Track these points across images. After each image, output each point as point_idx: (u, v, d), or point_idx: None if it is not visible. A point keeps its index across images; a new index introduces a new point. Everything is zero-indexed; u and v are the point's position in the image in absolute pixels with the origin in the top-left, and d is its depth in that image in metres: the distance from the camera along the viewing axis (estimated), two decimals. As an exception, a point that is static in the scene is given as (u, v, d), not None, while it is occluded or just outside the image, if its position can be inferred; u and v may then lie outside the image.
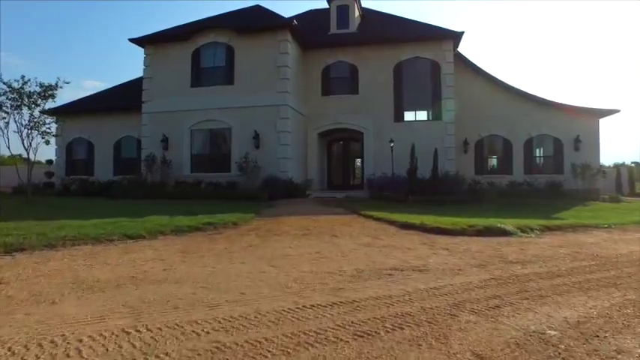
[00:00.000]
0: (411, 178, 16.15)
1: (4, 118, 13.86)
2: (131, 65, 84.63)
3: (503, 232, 7.92)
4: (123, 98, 19.72)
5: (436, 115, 18.28)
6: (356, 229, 7.78)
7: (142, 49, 18.45)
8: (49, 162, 21.59)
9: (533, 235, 7.83)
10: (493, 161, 19.79)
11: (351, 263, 5.17)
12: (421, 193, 15.42)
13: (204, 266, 4.93)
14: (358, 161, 20.79)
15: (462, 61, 19.30)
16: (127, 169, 18.65)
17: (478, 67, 19.55)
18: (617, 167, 24.06)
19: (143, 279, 4.29)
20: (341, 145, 21.03)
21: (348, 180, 21.04)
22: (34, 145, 14.06)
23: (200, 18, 18.99)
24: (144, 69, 18.39)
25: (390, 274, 4.65)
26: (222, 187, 16.29)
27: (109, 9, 77.60)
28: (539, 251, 6.14)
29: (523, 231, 8.09)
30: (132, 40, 18.27)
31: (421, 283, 4.27)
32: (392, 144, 17.13)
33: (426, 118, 18.43)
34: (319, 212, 10.60)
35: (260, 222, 8.77)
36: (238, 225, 8.15)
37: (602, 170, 19.43)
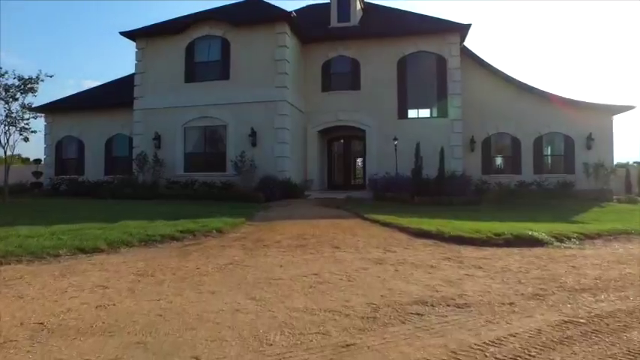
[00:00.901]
0: (416, 178, 14.65)
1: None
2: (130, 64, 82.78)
3: (537, 242, 6.41)
4: (114, 95, 18.21)
5: (442, 112, 16.76)
6: (362, 239, 6.24)
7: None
8: (37, 161, 20.09)
9: (573, 246, 6.32)
10: (501, 160, 18.26)
11: (360, 293, 3.66)
12: (427, 194, 13.94)
13: (158, 299, 3.42)
14: (360, 160, 19.27)
15: (469, 56, 17.76)
16: (118, 169, 17.17)
17: (485, 62, 18.01)
18: (627, 167, 22.52)
19: (56, 327, 2.77)
20: (342, 144, 19.48)
21: (349, 180, 19.50)
22: (11, 142, 12.54)
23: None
24: (135, 64, 16.88)
25: (418, 314, 3.13)
26: (216, 187, 14.79)
27: (112, 6, 76.03)
28: (598, 271, 4.63)
29: (559, 240, 6.59)
30: (123, 34, 16.77)
31: (468, 333, 2.75)
32: (396, 142, 15.63)
33: (431, 115, 16.89)
34: (319, 215, 9.09)
35: (250, 228, 7.26)
36: (223, 232, 6.61)
37: (613, 170, 17.91)
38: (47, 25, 50.54)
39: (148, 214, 8.89)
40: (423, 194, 13.88)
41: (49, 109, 18.02)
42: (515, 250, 5.85)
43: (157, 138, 16.27)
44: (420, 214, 9.35)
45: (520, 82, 17.76)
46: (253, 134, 15.22)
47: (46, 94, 36.91)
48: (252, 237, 6.29)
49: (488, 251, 5.69)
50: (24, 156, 30.55)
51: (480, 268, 4.70)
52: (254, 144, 15.27)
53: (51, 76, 13.23)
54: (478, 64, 17.94)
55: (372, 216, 8.75)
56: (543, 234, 6.66)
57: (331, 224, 7.76)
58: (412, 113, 17.03)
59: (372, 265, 4.76)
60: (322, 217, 8.84)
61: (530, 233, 6.68)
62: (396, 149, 15.58)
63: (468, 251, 5.60)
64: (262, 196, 12.92)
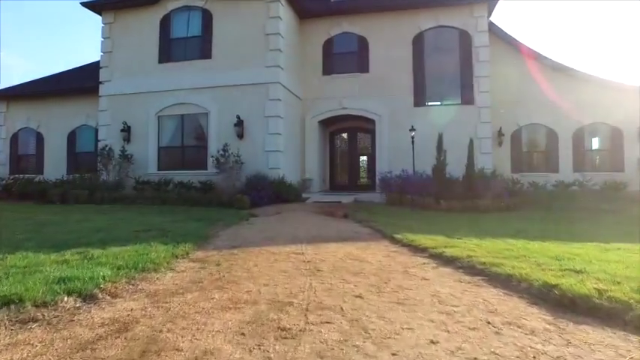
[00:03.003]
0: (439, 178, 11.80)
1: None
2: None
3: None
4: (80, 80, 15.38)
5: (467, 98, 13.86)
6: (418, 311, 2.90)
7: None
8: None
9: None
10: (534, 156, 15.36)
11: None
12: (453, 197, 11.09)
13: None
14: (367, 157, 16.38)
15: (495, 33, 14.85)
16: (83, 167, 14.27)
17: (514, 40, 15.12)
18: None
19: None
20: (347, 137, 16.55)
21: (355, 179, 16.58)
22: None
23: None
24: (102, 42, 14.04)
25: None
26: (194, 188, 11.97)
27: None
28: None
29: None
30: (85, 5, 13.93)
31: None
32: (413, 133, 12.76)
33: (454, 102, 13.98)
34: (319, 236, 5.81)
35: (185, 275, 3.80)
36: (112, 294, 3.21)
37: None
38: (44, 22, 47.92)
39: (71, 230, 6.07)
40: (448, 197, 11.03)
41: (4, 97, 15.21)
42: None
43: (126, 129, 13.45)
44: (467, 229, 6.49)
45: (557, 62, 14.87)
46: (240, 124, 12.38)
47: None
48: (158, 313, 2.98)
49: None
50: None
51: None
52: (240, 135, 12.43)
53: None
54: (507, 44, 15.05)
55: (408, 238, 5.33)
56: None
57: (340, 255, 4.69)
58: (431, 100, 14.11)
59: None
60: (325, 238, 5.71)
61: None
62: (413, 142, 12.71)
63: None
64: (246, 200, 10.09)
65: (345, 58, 14.64)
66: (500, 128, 14.73)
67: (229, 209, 9.52)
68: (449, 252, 4.56)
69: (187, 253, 4.56)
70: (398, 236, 5.50)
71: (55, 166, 14.94)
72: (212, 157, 12.09)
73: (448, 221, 7.87)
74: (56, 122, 15.17)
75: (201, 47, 13.17)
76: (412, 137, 12.71)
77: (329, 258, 4.55)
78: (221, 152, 11.75)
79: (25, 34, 48.45)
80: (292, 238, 5.59)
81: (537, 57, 14.93)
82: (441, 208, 10.40)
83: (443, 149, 12.17)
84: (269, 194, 10.72)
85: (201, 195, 11.09)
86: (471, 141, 11.92)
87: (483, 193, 11.26)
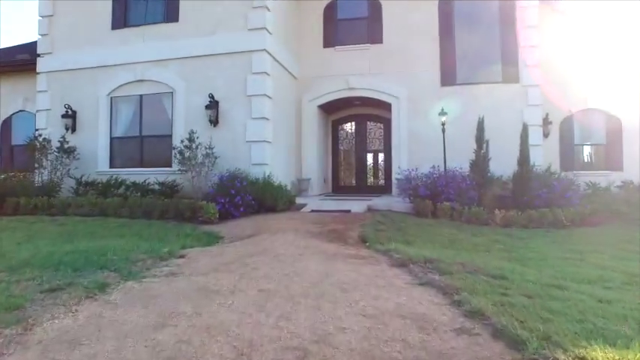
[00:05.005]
0: (483, 177, 8.63)
1: None
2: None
3: None
4: (18, 54, 12.20)
5: (509, 75, 10.65)
6: None
7: None
8: None
9: None
10: (591, 150, 12.16)
11: None
12: (504, 203, 7.96)
13: None
14: (378, 152, 13.10)
15: (541, -4, 11.67)
16: (19, 163, 11.16)
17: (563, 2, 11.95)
18: None
19: None
20: (354, 127, 13.26)
21: (364, 179, 13.22)
22: None
23: None
24: (39, 3, 10.88)
25: None
26: (152, 191, 8.83)
27: None
28: None
29: None
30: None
31: None
32: (444, 118, 9.56)
33: (492, 80, 10.75)
34: (324, 333, 2.33)
35: None
36: None
37: None
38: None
39: None
40: (499, 204, 7.87)
41: None
42: None
43: (70, 115, 10.29)
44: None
45: (622, 30, 11.65)
46: (213, 105, 9.19)
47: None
48: None
49: None
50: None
51: None
52: (214, 121, 9.24)
53: None
54: (555, 7, 11.86)
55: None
56: None
57: None
58: (462, 78, 10.89)
59: None
60: (328, 331, 2.37)
61: None
62: (443, 130, 9.51)
63: None
64: (215, 209, 6.88)
65: (352, 25, 11.44)
66: (547, 115, 11.52)
67: (186, 224, 6.35)
68: None
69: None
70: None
71: (-15, 163, 11.75)
72: (175, 148, 8.89)
73: (553, 251, 4.68)
74: (-13, 108, 11.98)
75: (166, 7, 9.99)
76: (443, 124, 9.51)
77: None
78: (186, 143, 8.56)
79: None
80: (255, 296, 2.44)
81: (596, 25, 11.72)
82: (495, 221, 7.19)
83: (485, 139, 9.04)
84: (248, 200, 7.51)
85: (157, 201, 7.89)
86: (525, 127, 8.72)
87: (547, 199, 8.07)
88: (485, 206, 7.88)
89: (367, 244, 4.77)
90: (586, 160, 12.02)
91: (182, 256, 3.88)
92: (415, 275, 3.42)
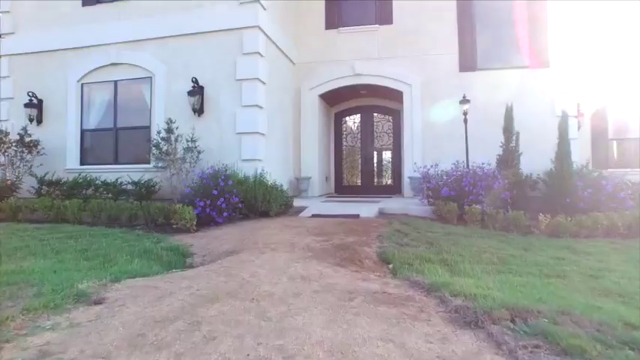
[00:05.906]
0: (515, 175, 7.28)
1: None
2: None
3: None
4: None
5: (539, 59, 9.27)
6: None
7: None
8: None
9: None
10: (628, 146, 10.78)
11: None
12: (537, 206, 6.63)
13: None
14: (387, 147, 11.66)
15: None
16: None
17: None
18: None
19: None
20: (360, 120, 11.80)
21: (371, 178, 11.76)
22: None
23: None
24: (2, -24, 9.52)
25: None
26: (125, 192, 7.47)
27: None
28: None
29: None
30: None
31: None
32: (466, 106, 8.16)
33: (518, 65, 9.34)
34: None
35: None
36: None
37: None
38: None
39: None
40: (531, 207, 6.51)
41: None
42: None
43: (35, 105, 8.92)
44: None
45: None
46: (197, 91, 7.81)
47: None
48: None
49: None
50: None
51: None
52: (198, 110, 7.87)
53: None
54: (587, -14, 10.46)
55: None
56: None
57: None
58: (485, 62, 9.50)
59: None
60: None
61: None
62: (465, 120, 8.11)
63: None
64: (192, 214, 5.48)
65: (358, 3, 10.07)
66: (578, 106, 10.13)
67: (153, 235, 4.97)
68: None
69: None
70: None
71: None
72: (152, 141, 7.50)
73: None
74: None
75: (144, -20, 8.60)
76: (465, 113, 8.12)
77: None
78: (163, 135, 7.18)
79: None
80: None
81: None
82: (539, 228, 5.80)
83: (514, 130, 7.71)
84: (235, 202, 6.12)
85: (124, 205, 6.51)
86: (565, 116, 7.36)
87: (591, 202, 6.71)
88: (518, 209, 6.51)
89: (391, 266, 3.39)
90: (622, 157, 10.63)
91: (99, 302, 2.41)
92: (511, 354, 1.89)
